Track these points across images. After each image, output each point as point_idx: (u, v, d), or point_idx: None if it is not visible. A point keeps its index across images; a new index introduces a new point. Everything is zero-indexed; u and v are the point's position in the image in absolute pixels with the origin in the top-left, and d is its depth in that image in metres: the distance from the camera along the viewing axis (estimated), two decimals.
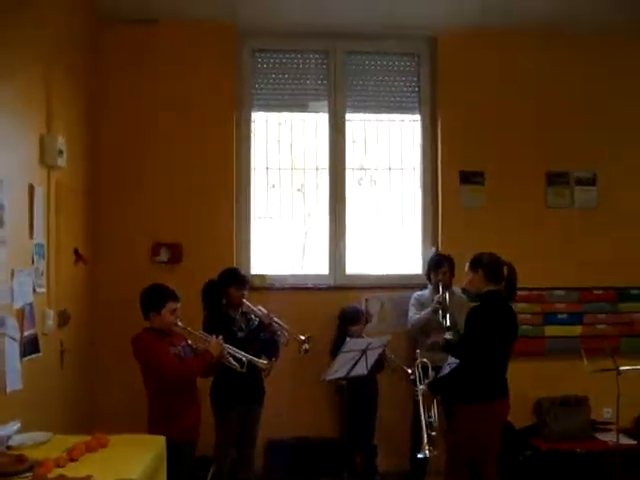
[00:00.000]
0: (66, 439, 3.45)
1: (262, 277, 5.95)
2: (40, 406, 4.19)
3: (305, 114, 6.26)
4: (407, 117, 6.34)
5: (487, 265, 4.35)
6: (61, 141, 4.57)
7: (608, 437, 5.59)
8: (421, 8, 5.55)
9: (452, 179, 6.03)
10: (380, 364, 5.04)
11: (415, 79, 6.27)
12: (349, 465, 5.38)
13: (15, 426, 3.49)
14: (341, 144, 6.20)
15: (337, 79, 6.18)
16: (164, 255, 5.70)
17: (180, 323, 4.22)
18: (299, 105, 6.24)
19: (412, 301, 5.63)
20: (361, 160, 6.33)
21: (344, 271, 6.15)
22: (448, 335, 5.04)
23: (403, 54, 6.26)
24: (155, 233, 5.70)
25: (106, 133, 5.67)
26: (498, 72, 6.04)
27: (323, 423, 5.75)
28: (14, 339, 3.88)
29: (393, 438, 5.65)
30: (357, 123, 6.30)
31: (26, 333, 4.06)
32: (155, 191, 5.73)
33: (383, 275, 6.17)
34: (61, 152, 4.56)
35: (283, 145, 6.25)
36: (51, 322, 4.50)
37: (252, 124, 6.15)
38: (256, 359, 4.54)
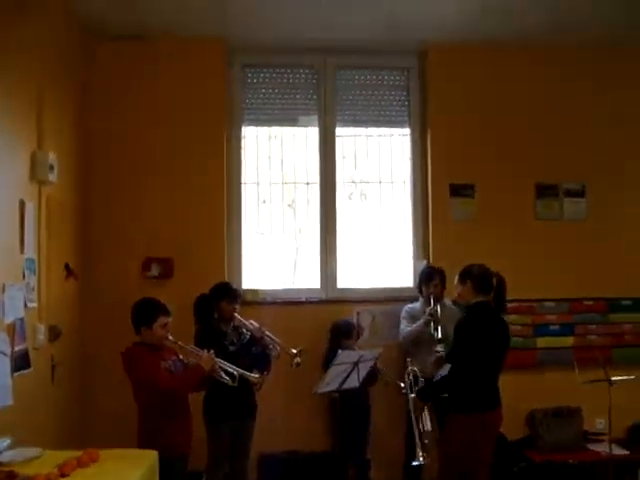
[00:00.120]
0: (57, 454, 3.44)
1: (254, 291, 5.95)
2: (31, 421, 4.17)
3: (295, 128, 6.28)
4: (397, 131, 6.38)
5: (476, 276, 4.36)
6: (52, 157, 4.58)
7: (601, 448, 5.59)
8: (410, 22, 5.57)
9: (442, 192, 6.05)
10: (373, 377, 5.03)
11: (405, 93, 6.31)
12: (342, 478, 5.36)
13: (5, 442, 3.48)
14: (331, 158, 6.22)
15: (327, 93, 6.22)
16: (155, 270, 5.69)
17: (171, 337, 4.22)
18: (289, 120, 6.27)
19: (403, 314, 5.63)
20: (351, 175, 6.36)
21: (335, 285, 6.15)
22: (440, 347, 5.07)
23: (393, 68, 6.30)
24: (146, 248, 5.69)
25: (97, 149, 5.68)
26: (487, 86, 6.09)
27: (315, 436, 5.72)
28: (5, 354, 3.87)
29: (386, 451, 5.62)
30: (347, 139, 6.33)
31: (17, 348, 4.05)
32: (146, 206, 5.73)
33: (374, 288, 6.17)
34: (52, 167, 4.57)
35: (274, 160, 6.26)
36: (42, 337, 4.49)
37: (242, 139, 6.17)
38: (248, 373, 4.54)
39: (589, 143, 6.13)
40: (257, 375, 4.63)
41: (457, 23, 5.60)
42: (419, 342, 5.38)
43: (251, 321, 4.92)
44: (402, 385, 4.62)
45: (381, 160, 6.37)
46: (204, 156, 5.82)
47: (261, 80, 6.20)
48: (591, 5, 5.30)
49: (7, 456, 3.39)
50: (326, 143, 6.22)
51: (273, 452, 5.66)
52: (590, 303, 6.09)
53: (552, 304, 6.06)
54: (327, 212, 6.19)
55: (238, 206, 6.11)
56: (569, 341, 6.05)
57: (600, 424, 5.74)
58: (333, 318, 5.69)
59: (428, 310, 5.34)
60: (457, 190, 6.05)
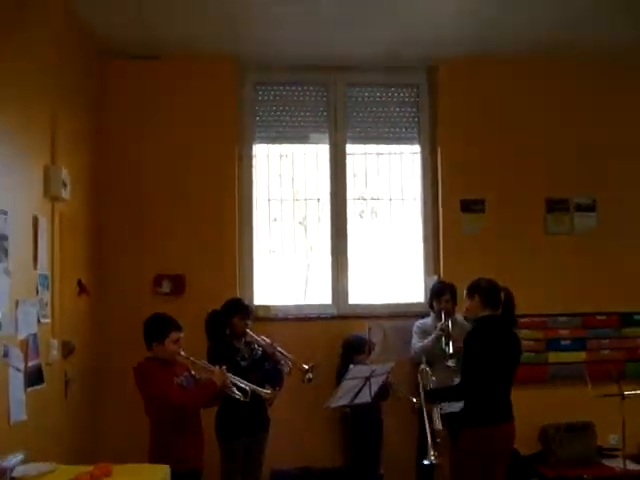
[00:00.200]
0: (70, 469, 3.45)
1: (266, 307, 5.97)
2: (44, 436, 4.18)
3: (306, 146, 6.32)
4: (407, 149, 6.40)
5: (484, 290, 4.36)
6: (65, 173, 4.62)
7: (615, 463, 5.56)
8: (420, 39, 5.61)
9: (453, 207, 6.07)
10: (385, 392, 5.00)
11: (415, 110, 6.35)
12: None
13: (18, 457, 3.49)
14: (342, 175, 6.25)
15: (337, 111, 6.26)
16: (166, 286, 5.73)
17: (183, 353, 4.23)
18: (300, 137, 6.31)
19: (415, 329, 5.63)
20: (362, 192, 6.38)
21: (347, 301, 6.17)
22: (451, 362, 5.07)
23: (402, 85, 6.34)
24: (157, 265, 5.73)
25: (110, 166, 5.73)
26: (497, 101, 6.11)
27: (327, 452, 5.72)
28: (19, 370, 3.89)
29: (399, 465, 5.60)
30: (358, 157, 6.35)
31: (30, 363, 4.06)
32: (158, 223, 5.78)
33: (386, 304, 6.17)
34: (65, 184, 4.61)
35: (285, 177, 6.30)
36: (55, 352, 4.51)
37: (254, 158, 6.21)
38: (260, 389, 4.54)
39: (600, 157, 6.13)
40: (269, 391, 4.64)
41: (466, 39, 5.63)
42: (431, 357, 5.36)
43: (263, 337, 4.93)
44: (414, 400, 4.61)
45: (391, 177, 6.39)
46: (216, 173, 5.86)
47: (272, 98, 6.25)
48: (607, 18, 5.32)
49: (20, 471, 3.39)
50: (337, 160, 6.26)
51: (285, 468, 5.65)
52: (603, 318, 6.07)
53: (564, 319, 6.05)
54: (338, 228, 6.22)
55: (250, 223, 6.14)
56: (581, 356, 6.02)
57: (613, 439, 5.70)
58: (345, 334, 5.69)
59: (439, 325, 5.35)
60: (467, 205, 6.06)
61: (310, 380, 4.81)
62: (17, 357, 3.89)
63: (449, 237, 6.07)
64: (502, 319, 4.35)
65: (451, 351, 5.12)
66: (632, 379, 5.66)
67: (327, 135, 6.27)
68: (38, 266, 4.29)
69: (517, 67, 6.07)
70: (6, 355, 3.77)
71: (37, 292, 4.26)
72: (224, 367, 4.29)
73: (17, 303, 3.94)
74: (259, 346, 4.92)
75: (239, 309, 4.93)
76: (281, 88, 6.25)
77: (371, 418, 5.32)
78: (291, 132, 6.30)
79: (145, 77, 5.84)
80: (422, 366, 4.57)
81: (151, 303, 5.40)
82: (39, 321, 4.24)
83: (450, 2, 5.05)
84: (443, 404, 4.34)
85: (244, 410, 4.53)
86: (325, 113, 6.28)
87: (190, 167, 5.84)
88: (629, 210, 6.13)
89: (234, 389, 4.34)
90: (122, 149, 5.78)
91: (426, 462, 4.18)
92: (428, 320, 5.62)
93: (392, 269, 6.31)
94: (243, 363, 4.77)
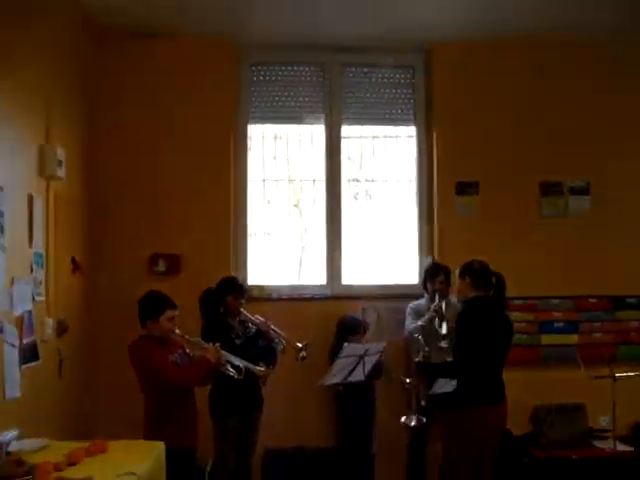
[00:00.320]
0: (64, 445, 3.48)
1: (260, 287, 5.99)
2: (38, 413, 4.21)
3: (301, 127, 6.31)
4: (402, 131, 6.39)
5: (475, 272, 4.39)
6: (60, 152, 4.62)
7: (605, 444, 5.57)
8: (416, 20, 5.59)
9: (447, 190, 6.07)
10: (378, 371, 5.02)
11: (410, 91, 6.33)
12: (348, 473, 5.38)
13: (13, 434, 3.51)
14: (337, 156, 6.25)
15: (333, 91, 6.24)
16: (162, 266, 5.74)
17: (178, 331, 4.25)
18: (295, 117, 6.29)
19: (409, 310, 5.65)
20: (357, 174, 6.38)
21: (341, 281, 6.18)
22: (444, 343, 5.09)
23: (398, 66, 6.31)
24: (153, 244, 5.73)
25: (105, 144, 5.71)
26: (492, 83, 6.09)
27: (321, 431, 5.75)
28: (13, 345, 3.91)
29: (391, 445, 5.64)
30: (353, 140, 6.34)
31: (25, 340, 4.08)
32: (153, 202, 5.77)
33: (380, 285, 6.19)
34: (60, 163, 4.61)
35: (279, 159, 6.29)
36: (50, 330, 4.53)
37: (249, 138, 6.20)
38: (253, 366, 4.57)
39: (594, 140, 6.12)
40: (263, 368, 4.68)
41: (462, 21, 5.61)
42: (424, 338, 5.39)
43: (257, 316, 4.95)
44: (407, 381, 4.64)
45: (387, 159, 6.38)
46: (212, 152, 5.86)
47: (267, 78, 6.22)
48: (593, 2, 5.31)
49: (15, 446, 3.42)
50: (332, 140, 6.25)
51: (279, 447, 5.69)
52: (595, 301, 6.09)
53: (557, 301, 6.07)
54: (333, 209, 6.22)
55: (244, 203, 6.13)
56: (574, 338, 6.05)
57: (604, 421, 5.72)
58: (339, 314, 5.70)
59: (433, 306, 5.36)
60: (462, 188, 6.07)
61: (304, 358, 4.83)
62: (12, 333, 3.91)
63: (443, 219, 6.08)
64: (493, 301, 4.37)
65: (444, 332, 5.12)
66: (624, 361, 5.66)
67: (322, 116, 6.26)
68: (33, 244, 4.30)
69: (512, 51, 6.04)
70: (1, 331, 3.79)
71: (32, 270, 4.27)
72: (218, 344, 4.31)
73: (13, 280, 3.96)
74: (253, 324, 4.93)
75: (233, 288, 4.95)
76: (277, 68, 6.21)
77: (364, 397, 5.34)
78: (286, 112, 6.26)
79: (142, 57, 5.81)
80: (417, 335, 4.60)
81: (146, 282, 5.38)
82: (34, 299, 4.25)
83: None
84: (435, 384, 4.37)
85: (238, 389, 4.56)
86: (321, 93, 6.26)
87: (186, 147, 5.83)
88: (623, 193, 6.13)
89: (228, 366, 4.37)
90: (118, 128, 5.76)
91: (413, 423, 4.26)
92: (422, 301, 5.64)
93: (387, 251, 6.32)
94: (237, 341, 4.80)
